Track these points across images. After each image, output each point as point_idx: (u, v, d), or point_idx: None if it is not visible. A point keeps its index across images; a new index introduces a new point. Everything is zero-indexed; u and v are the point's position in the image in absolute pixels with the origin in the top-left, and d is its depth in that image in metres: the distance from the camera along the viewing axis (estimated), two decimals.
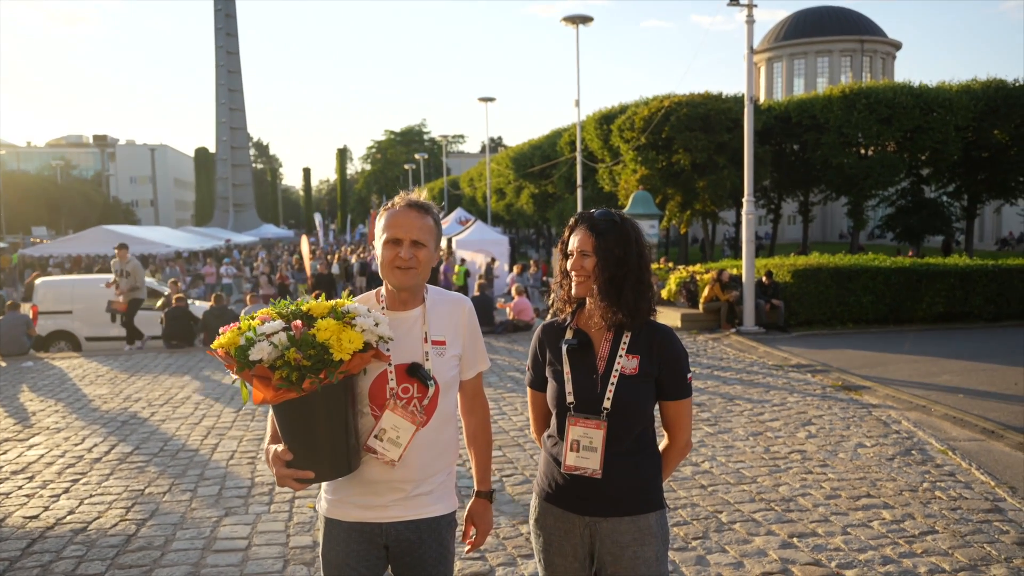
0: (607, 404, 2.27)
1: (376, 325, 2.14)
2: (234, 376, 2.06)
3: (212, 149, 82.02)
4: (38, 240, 46.18)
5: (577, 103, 26.02)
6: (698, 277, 14.98)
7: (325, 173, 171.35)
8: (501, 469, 6.01)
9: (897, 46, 65.09)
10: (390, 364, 2.24)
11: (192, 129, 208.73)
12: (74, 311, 14.30)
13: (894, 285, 14.11)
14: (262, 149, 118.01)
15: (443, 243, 31.80)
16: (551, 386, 2.38)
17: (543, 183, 42.10)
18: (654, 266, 17.44)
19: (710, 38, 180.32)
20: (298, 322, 2.06)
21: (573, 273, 2.31)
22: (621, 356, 2.30)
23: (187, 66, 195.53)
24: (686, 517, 4.98)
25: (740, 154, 14.28)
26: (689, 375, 2.36)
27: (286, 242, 60.47)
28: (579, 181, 26.39)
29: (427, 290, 2.39)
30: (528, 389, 2.53)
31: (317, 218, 41.74)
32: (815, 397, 8.44)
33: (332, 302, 2.17)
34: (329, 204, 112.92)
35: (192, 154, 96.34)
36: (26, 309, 14.57)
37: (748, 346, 12.04)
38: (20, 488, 5.74)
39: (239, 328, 2.07)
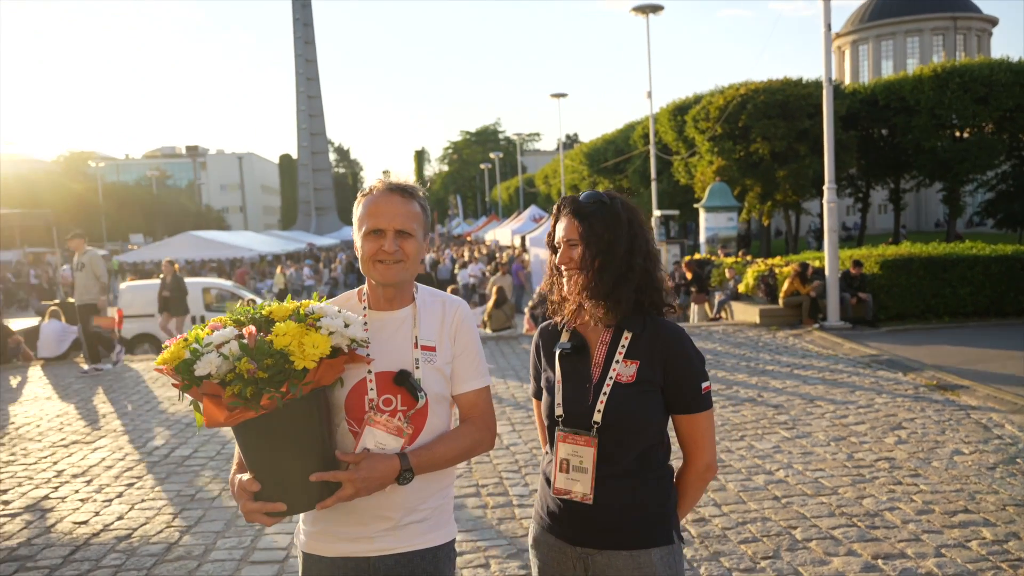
0: (597, 417, 1.93)
1: (347, 326, 1.84)
2: (187, 397, 1.77)
3: (295, 155, 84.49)
4: (134, 247, 48.48)
5: (649, 95, 25.42)
6: (777, 270, 14.24)
7: (404, 175, 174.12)
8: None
9: (993, 22, 61.26)
10: (370, 371, 1.94)
11: (277, 136, 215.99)
12: (157, 314, 14.70)
13: (994, 275, 13.04)
14: (343, 154, 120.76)
15: (516, 241, 31.84)
16: (544, 397, 2.07)
17: (617, 178, 41.43)
18: (730, 260, 16.76)
19: (790, 25, 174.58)
20: (251, 328, 1.78)
21: (563, 267, 1.99)
22: (618, 361, 1.96)
23: (269, 75, 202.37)
24: (755, 533, 4.54)
25: (822, 141, 13.47)
26: (705, 384, 1.99)
27: None
28: (653, 174, 25.77)
29: (417, 288, 2.08)
30: (533, 400, 2.21)
31: None
32: (906, 398, 7.77)
33: (296, 303, 1.88)
34: None
35: (277, 160, 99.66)
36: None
37: (832, 342, 11.31)
38: (77, 492, 5.76)
39: (186, 339, 1.79)
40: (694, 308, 15.52)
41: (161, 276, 13.41)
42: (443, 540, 2.03)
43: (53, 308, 13.63)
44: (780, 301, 13.41)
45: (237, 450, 1.94)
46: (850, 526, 4.58)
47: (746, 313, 14.10)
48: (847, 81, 51.26)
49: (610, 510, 1.94)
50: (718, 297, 15.25)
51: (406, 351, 1.99)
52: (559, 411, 1.99)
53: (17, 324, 14.81)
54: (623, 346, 1.98)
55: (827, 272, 12.75)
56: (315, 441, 1.83)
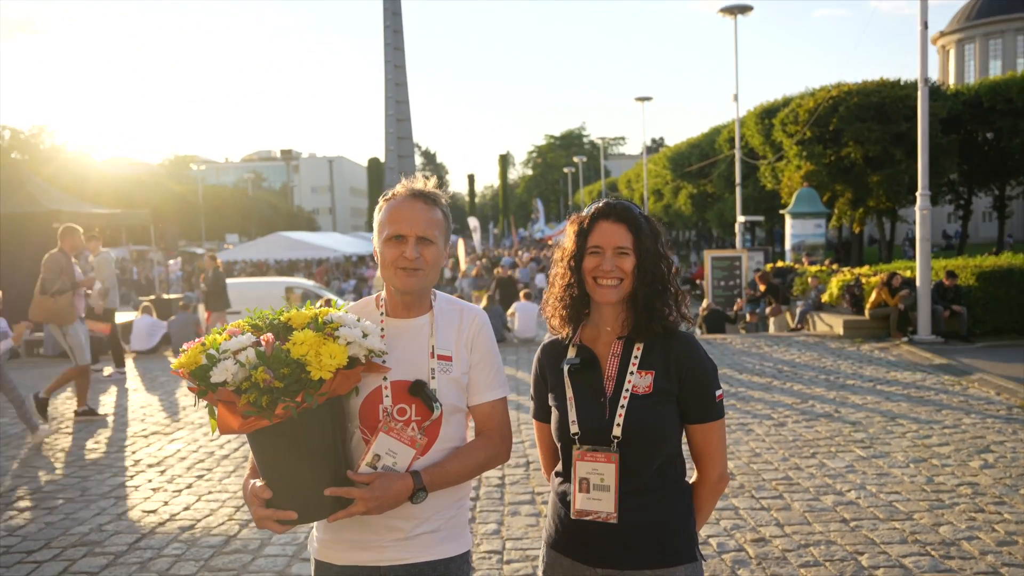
0: (617, 432, 1.85)
1: (365, 336, 1.82)
2: (202, 401, 1.77)
3: (383, 159, 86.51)
4: (229, 246, 50.64)
5: (735, 97, 24.86)
6: (864, 280, 13.61)
7: (489, 179, 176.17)
8: None
9: None
10: (385, 379, 1.92)
11: (366, 140, 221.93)
12: (243, 312, 15.24)
13: None
14: (430, 158, 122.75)
15: None
16: (554, 415, 1.98)
17: (702, 183, 40.62)
18: (814, 268, 16.14)
19: (890, 24, 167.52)
20: (269, 335, 1.77)
21: (602, 275, 1.90)
22: (632, 373, 1.89)
23: (360, 81, 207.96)
24: (818, 557, 4.32)
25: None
26: (718, 392, 1.91)
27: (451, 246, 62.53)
28: (738, 179, 25.15)
29: (435, 296, 2.05)
30: (534, 422, 2.14)
31: (472, 222, 42.67)
32: (997, 419, 7.27)
33: (315, 310, 1.87)
34: (492, 209, 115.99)
35: (365, 164, 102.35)
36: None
37: (921, 357, 10.72)
38: (150, 481, 6.01)
39: (203, 343, 1.79)
40: (772, 320, 15.02)
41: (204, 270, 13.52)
42: (456, 552, 1.98)
43: (146, 304, 14.33)
44: (866, 312, 12.82)
45: (252, 454, 1.95)
46: (923, 555, 4.31)
47: (829, 324, 13.55)
48: (951, 82, 48.73)
49: (633, 528, 1.87)
50: (799, 307, 14.70)
51: (422, 360, 1.96)
52: (574, 429, 1.91)
53: (117, 318, 15.65)
54: (636, 356, 1.91)
55: (918, 283, 12.11)
56: (328, 451, 1.81)
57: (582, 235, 1.94)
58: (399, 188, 2.01)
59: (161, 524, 5.04)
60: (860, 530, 4.69)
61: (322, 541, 1.99)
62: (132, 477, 6.12)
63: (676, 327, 1.94)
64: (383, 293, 2.05)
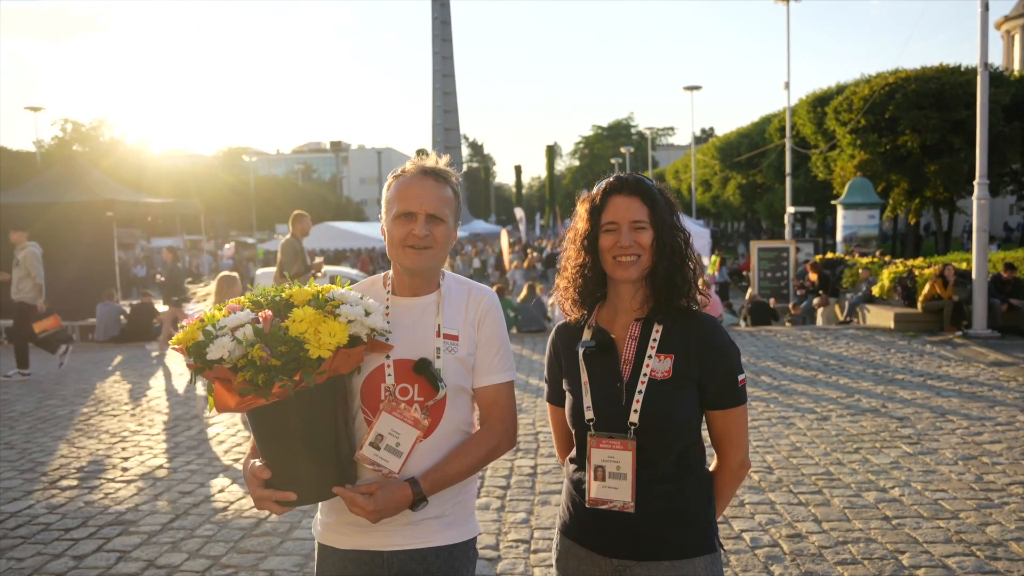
0: (634, 418, 1.77)
1: (368, 314, 1.78)
2: (202, 379, 1.74)
3: (430, 150, 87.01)
4: (279, 236, 51.53)
5: (787, 85, 24.32)
6: (916, 272, 13.17)
7: (536, 170, 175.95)
8: None
9: None
10: (388, 357, 1.87)
11: (414, 131, 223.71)
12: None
13: None
14: (477, 149, 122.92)
15: None
16: (568, 400, 1.91)
17: (751, 173, 39.84)
18: (865, 260, 15.68)
19: (951, 9, 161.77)
20: (267, 312, 1.73)
21: (620, 252, 1.81)
22: (651, 356, 1.80)
23: (408, 73, 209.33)
24: (856, 555, 4.17)
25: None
26: (741, 377, 1.82)
27: (493, 236, 62.73)
28: (788, 169, 24.58)
29: (443, 275, 1.99)
30: (548, 405, 2.06)
31: (518, 212, 42.62)
32: None
33: (317, 288, 1.83)
34: (539, 200, 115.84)
35: (413, 155, 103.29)
36: None
37: (976, 352, 10.32)
38: (188, 463, 6.11)
39: (202, 320, 1.76)
40: (820, 311, 14.64)
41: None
42: (460, 539, 1.94)
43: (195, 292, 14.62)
44: (919, 305, 12.40)
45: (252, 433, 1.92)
46: (967, 555, 4.13)
47: (880, 317, 13.15)
48: (1016, 68, 46.84)
49: (651, 517, 1.79)
50: (848, 299, 14.30)
51: (428, 339, 1.90)
52: (589, 415, 1.84)
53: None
54: (655, 340, 1.82)
55: (974, 275, 11.66)
56: (329, 431, 1.77)
57: (595, 212, 1.86)
58: (408, 165, 1.96)
59: (195, 505, 5.12)
60: (902, 528, 4.52)
61: (325, 524, 1.96)
62: (171, 459, 6.24)
63: (695, 305, 1.86)
64: (391, 272, 2.01)
